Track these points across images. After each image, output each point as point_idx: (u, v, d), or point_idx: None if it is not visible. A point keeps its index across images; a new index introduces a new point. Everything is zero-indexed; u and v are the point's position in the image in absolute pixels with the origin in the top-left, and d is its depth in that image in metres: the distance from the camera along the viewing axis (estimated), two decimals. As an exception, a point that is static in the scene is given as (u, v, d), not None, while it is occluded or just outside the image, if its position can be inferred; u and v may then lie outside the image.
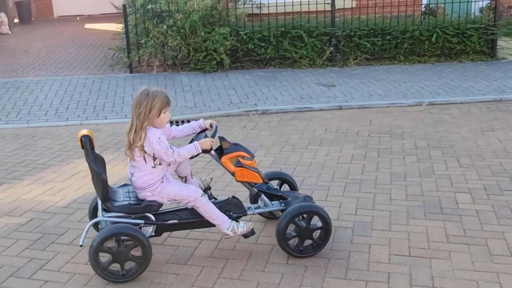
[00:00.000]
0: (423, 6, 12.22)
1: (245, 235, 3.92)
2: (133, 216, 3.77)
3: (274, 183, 4.46)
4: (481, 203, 4.67)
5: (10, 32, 16.04)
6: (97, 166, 3.69)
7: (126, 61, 9.96)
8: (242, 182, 3.98)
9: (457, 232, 4.18)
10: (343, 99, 8.21)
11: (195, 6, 9.49)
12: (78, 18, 19.01)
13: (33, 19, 19.46)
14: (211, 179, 4.28)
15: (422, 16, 11.21)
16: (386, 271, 3.69)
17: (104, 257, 3.63)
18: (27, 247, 4.11)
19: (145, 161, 3.66)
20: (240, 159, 3.92)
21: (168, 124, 3.89)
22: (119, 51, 10.61)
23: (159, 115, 3.63)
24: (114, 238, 3.60)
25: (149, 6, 9.72)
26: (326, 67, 10.10)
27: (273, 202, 4.12)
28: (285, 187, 4.48)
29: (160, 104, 3.61)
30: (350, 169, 5.56)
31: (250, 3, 10.33)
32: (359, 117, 7.41)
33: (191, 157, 3.78)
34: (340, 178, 5.32)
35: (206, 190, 4.04)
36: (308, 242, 3.91)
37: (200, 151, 3.74)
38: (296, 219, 3.87)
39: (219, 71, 9.85)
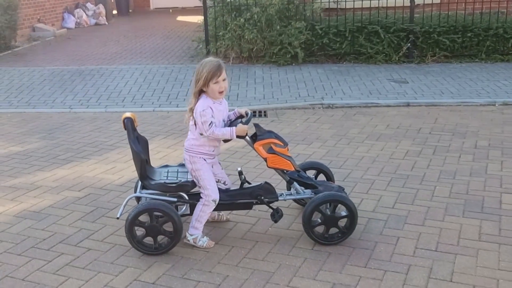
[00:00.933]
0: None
1: (275, 220, 4.09)
2: (168, 195, 4.04)
3: (311, 173, 4.61)
4: (526, 205, 4.57)
5: (107, 23, 17.00)
6: (137, 146, 3.99)
7: (205, 52, 10.35)
8: (274, 169, 4.14)
9: (492, 231, 4.14)
10: (412, 96, 8.13)
11: (272, 0, 9.69)
12: (170, 11, 19.78)
13: (130, 10, 20.49)
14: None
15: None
16: (407, 263, 3.74)
17: (139, 231, 3.92)
18: (79, 218, 4.51)
19: (195, 126, 3.90)
20: (272, 145, 4.08)
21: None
22: (200, 43, 11.02)
23: (207, 84, 3.78)
24: (147, 213, 3.89)
25: (228, 0, 10.02)
26: (402, 64, 9.99)
27: (305, 190, 4.25)
28: (322, 178, 4.59)
29: (206, 74, 3.75)
30: (401, 164, 5.57)
31: (327, -2, 10.38)
32: (425, 115, 7.33)
33: (225, 141, 3.98)
34: (387, 172, 5.35)
35: (240, 174, 4.21)
36: (334, 230, 4.02)
37: (235, 136, 3.93)
38: (321, 207, 3.99)
39: (293, 64, 10.00)
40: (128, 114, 4.05)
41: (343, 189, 4.30)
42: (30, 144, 6.44)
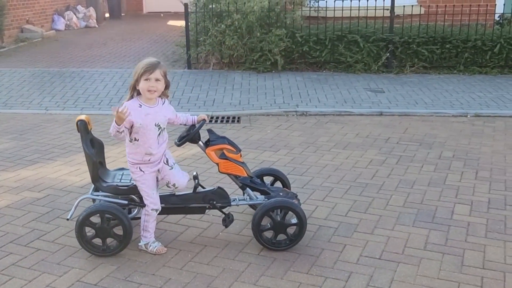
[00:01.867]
0: (497, 15, 11.80)
1: (226, 225, 4.15)
2: (119, 197, 4.10)
3: (268, 179, 4.67)
4: (477, 215, 4.63)
5: (97, 26, 17.08)
6: (89, 149, 4.04)
7: (185, 57, 10.41)
8: (227, 174, 4.21)
9: (438, 241, 4.19)
10: (386, 105, 8.21)
11: (253, 7, 9.77)
12: (161, 15, 19.86)
13: (123, 14, 20.55)
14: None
15: (495, 26, 10.84)
16: (349, 270, 3.79)
17: (89, 232, 3.97)
18: (34, 218, 4.55)
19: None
20: (225, 151, 4.14)
21: (175, 113, 4.06)
22: (182, 48, 11.09)
23: (139, 81, 3.72)
24: (98, 214, 3.94)
25: (210, 6, 10.10)
26: (381, 73, 10.07)
27: (258, 196, 4.31)
28: (279, 185, 4.65)
29: (140, 70, 3.70)
30: (362, 173, 5.63)
31: (309, 6, 10.45)
32: (397, 124, 7.40)
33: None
34: (347, 181, 5.41)
35: (195, 179, 4.26)
36: (282, 236, 4.08)
37: (116, 126, 3.69)
38: (271, 213, 4.05)
39: (273, 71, 10.07)
40: (82, 117, 4.10)
41: (296, 196, 4.36)
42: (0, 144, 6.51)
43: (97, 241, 3.99)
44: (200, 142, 4.16)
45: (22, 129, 7.13)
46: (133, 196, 4.09)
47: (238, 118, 7.73)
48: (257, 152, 6.28)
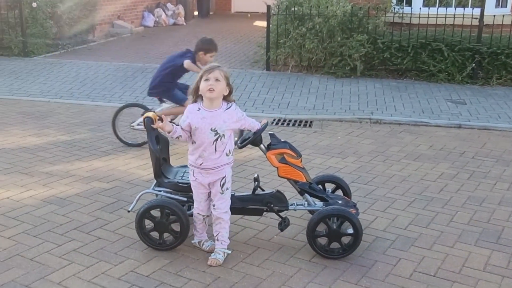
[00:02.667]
0: None
1: (281, 229, 4.16)
2: (179, 194, 4.20)
3: (330, 187, 4.64)
4: (548, 240, 4.38)
5: (184, 24, 17.51)
6: (154, 145, 4.17)
7: (265, 58, 10.49)
8: (286, 179, 4.22)
9: (500, 263, 4.01)
10: (466, 117, 7.91)
11: (336, 11, 9.71)
12: (249, 15, 20.06)
13: (211, 13, 20.95)
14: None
15: None
16: (400, 285, 3.70)
17: (148, 225, 4.10)
18: (99, 208, 4.75)
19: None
20: (285, 156, 4.15)
21: (243, 118, 3.99)
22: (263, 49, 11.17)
23: (200, 81, 3.80)
24: (159, 209, 4.05)
25: (293, 9, 10.13)
26: (465, 84, 9.70)
27: (316, 202, 4.29)
28: (340, 193, 4.61)
29: (201, 72, 3.83)
30: (430, 186, 5.46)
31: (393, 12, 10.25)
32: (475, 138, 7.12)
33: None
34: (412, 193, 5.27)
35: (255, 180, 4.28)
36: (336, 245, 4.04)
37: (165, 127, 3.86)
38: (327, 220, 4.02)
39: (351, 77, 9.95)
40: (149, 114, 4.22)
41: (355, 206, 4.30)
42: (78, 134, 6.81)
43: (155, 234, 4.10)
44: (261, 146, 4.19)
45: (100, 121, 7.44)
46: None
47: (311, 122, 7.70)
48: (324, 158, 6.24)
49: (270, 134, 4.26)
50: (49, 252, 4.00)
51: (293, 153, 4.19)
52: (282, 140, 4.24)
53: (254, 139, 4.12)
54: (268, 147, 4.20)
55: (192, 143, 3.90)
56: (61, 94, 8.75)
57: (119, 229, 4.39)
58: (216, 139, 3.82)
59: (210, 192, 3.98)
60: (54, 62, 10.87)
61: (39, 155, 6.02)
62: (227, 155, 3.88)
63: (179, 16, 17.43)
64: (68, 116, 7.63)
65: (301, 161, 4.23)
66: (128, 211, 4.21)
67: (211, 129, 3.79)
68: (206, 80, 3.76)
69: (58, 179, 5.36)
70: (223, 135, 3.83)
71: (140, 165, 5.80)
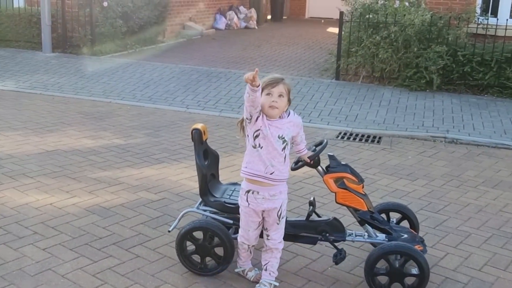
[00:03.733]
0: None
1: (336, 261, 3.71)
2: (226, 215, 3.82)
3: (395, 216, 4.15)
4: None
5: (256, 28, 17.24)
6: (201, 160, 3.81)
7: (335, 67, 10.02)
8: (344, 205, 3.77)
9: None
10: (554, 141, 7.17)
11: (414, 20, 9.11)
12: (322, 21, 19.58)
13: (285, 17, 20.61)
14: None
15: None
16: None
17: (190, 246, 3.74)
18: (142, 222, 4.44)
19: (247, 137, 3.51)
20: (345, 180, 3.70)
21: (300, 134, 3.60)
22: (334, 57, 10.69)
23: (261, 94, 3.33)
24: (201, 231, 3.69)
25: (367, 16, 9.61)
26: (555, 104, 8.89)
27: (378, 234, 3.82)
28: (406, 224, 4.11)
29: (262, 84, 3.32)
30: (510, 220, 4.85)
31: (476, 23, 9.53)
32: None
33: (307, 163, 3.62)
34: (490, 227, 4.68)
35: (310, 205, 3.85)
36: (398, 285, 3.54)
37: (249, 91, 3.23)
38: (389, 257, 3.54)
39: (427, 90, 9.31)
40: (198, 126, 3.89)
41: (423, 241, 3.81)
42: (133, 139, 6.57)
43: (196, 257, 3.75)
44: (319, 167, 3.75)
45: (159, 125, 7.19)
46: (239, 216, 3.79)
47: (379, 138, 7.17)
48: (391, 179, 5.71)
49: (329, 156, 3.81)
50: (82, 268, 3.72)
51: (354, 178, 3.72)
52: (342, 162, 3.79)
53: (314, 157, 3.69)
54: (326, 170, 3.76)
55: (256, 147, 3.40)
56: (123, 95, 8.59)
57: (160, 247, 4.06)
58: (284, 148, 3.43)
59: (261, 221, 3.57)
60: (120, 62, 10.79)
61: (90, 159, 5.81)
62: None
63: (251, 20, 17.18)
64: (127, 118, 7.43)
65: (362, 186, 3.76)
66: (169, 231, 3.87)
67: (279, 137, 3.39)
68: (269, 94, 3.36)
69: (105, 186, 5.11)
70: (288, 143, 3.47)
71: (192, 176, 5.47)
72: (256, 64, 11.27)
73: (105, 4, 11.17)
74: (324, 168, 3.76)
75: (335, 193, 3.72)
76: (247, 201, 3.50)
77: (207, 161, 3.91)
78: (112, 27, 11.35)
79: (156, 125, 7.20)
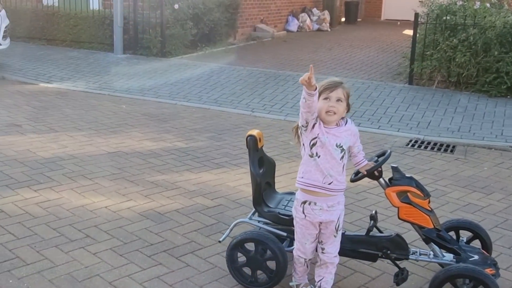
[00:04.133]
0: None
1: (397, 282, 3.42)
2: (280, 227, 3.61)
3: (465, 234, 3.81)
4: None
5: (329, 30, 16.94)
6: (255, 168, 3.62)
7: (408, 71, 9.60)
8: (408, 222, 3.48)
9: None
10: None
11: (495, 22, 8.58)
12: (398, 23, 19.01)
13: (359, 19, 20.18)
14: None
15: None
16: None
17: (241, 257, 3.57)
18: (196, 229, 4.29)
19: (303, 146, 3.31)
20: (409, 195, 3.41)
21: (358, 142, 3.37)
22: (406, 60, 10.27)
23: (318, 100, 3.14)
24: (253, 242, 3.51)
25: (444, 18, 9.14)
26: None
27: (445, 254, 3.50)
28: (477, 243, 3.76)
29: (320, 88, 3.13)
30: None
31: None
32: None
33: (372, 177, 3.39)
34: None
35: (372, 219, 3.59)
36: (464, 312, 3.23)
37: (307, 92, 3.03)
38: (457, 281, 3.23)
39: (508, 97, 8.74)
40: (253, 132, 3.71)
41: (495, 265, 3.45)
42: (195, 142, 6.47)
43: (247, 270, 3.56)
44: (381, 180, 3.48)
45: (222, 128, 7.07)
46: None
47: (453, 147, 6.75)
48: (464, 192, 5.32)
49: (393, 167, 3.52)
50: (130, 276, 3.61)
51: (419, 192, 3.42)
52: (407, 175, 3.49)
53: (372, 171, 3.42)
54: (389, 182, 3.48)
55: (313, 156, 3.20)
56: (189, 97, 8.54)
57: (211, 256, 3.90)
58: (342, 157, 3.22)
59: (318, 233, 3.34)
60: (189, 63, 10.79)
61: (150, 161, 5.74)
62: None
63: (324, 22, 16.88)
64: (191, 121, 7.35)
65: (429, 202, 3.46)
66: (219, 241, 3.71)
67: (337, 145, 3.19)
68: (326, 99, 3.14)
69: (162, 190, 5.01)
70: (346, 152, 3.26)
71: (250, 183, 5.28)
72: (326, 66, 10.99)
73: (176, 6, 11.21)
74: (387, 181, 3.48)
75: (398, 208, 3.43)
76: (303, 212, 3.28)
77: (262, 169, 3.71)
78: (182, 29, 11.37)
79: (219, 128, 7.08)
